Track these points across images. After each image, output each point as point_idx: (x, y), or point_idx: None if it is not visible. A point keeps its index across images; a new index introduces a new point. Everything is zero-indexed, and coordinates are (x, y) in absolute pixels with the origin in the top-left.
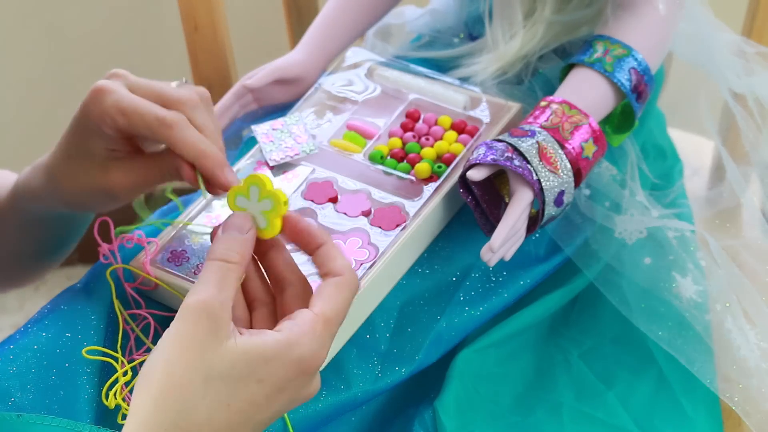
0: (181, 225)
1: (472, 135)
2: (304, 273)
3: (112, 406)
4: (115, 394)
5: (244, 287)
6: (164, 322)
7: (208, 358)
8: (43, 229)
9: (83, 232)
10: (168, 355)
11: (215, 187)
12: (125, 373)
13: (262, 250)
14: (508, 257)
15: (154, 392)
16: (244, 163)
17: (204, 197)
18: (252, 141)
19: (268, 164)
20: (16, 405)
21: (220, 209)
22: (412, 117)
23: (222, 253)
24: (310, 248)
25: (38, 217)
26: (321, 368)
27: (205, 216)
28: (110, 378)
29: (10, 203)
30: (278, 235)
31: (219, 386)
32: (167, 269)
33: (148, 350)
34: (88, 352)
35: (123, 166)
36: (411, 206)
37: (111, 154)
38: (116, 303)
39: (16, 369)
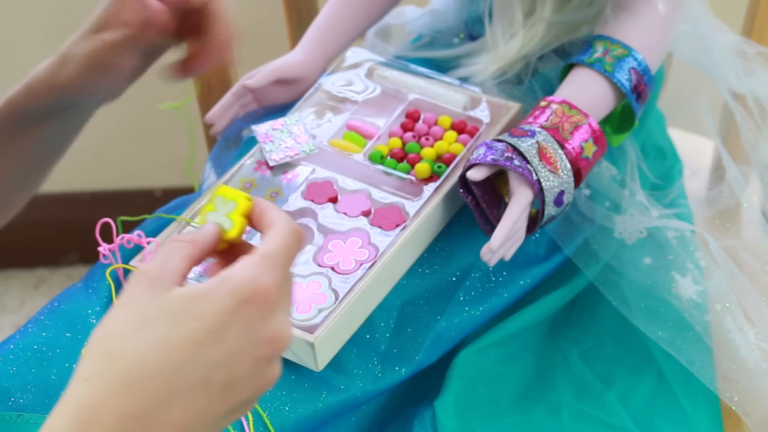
0: (181, 224)
1: (472, 135)
2: (302, 273)
3: None
4: None
5: None
6: None
7: (141, 309)
8: (38, 130)
9: (73, 139)
10: (107, 316)
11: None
12: None
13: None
14: (508, 257)
15: (88, 346)
16: (245, 163)
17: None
18: (252, 141)
19: (268, 164)
20: (16, 405)
21: None
22: (412, 117)
23: (176, 239)
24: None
25: (35, 115)
26: (285, 310)
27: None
28: None
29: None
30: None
31: (151, 329)
32: None
33: None
34: None
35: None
36: (411, 206)
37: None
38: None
39: (16, 369)
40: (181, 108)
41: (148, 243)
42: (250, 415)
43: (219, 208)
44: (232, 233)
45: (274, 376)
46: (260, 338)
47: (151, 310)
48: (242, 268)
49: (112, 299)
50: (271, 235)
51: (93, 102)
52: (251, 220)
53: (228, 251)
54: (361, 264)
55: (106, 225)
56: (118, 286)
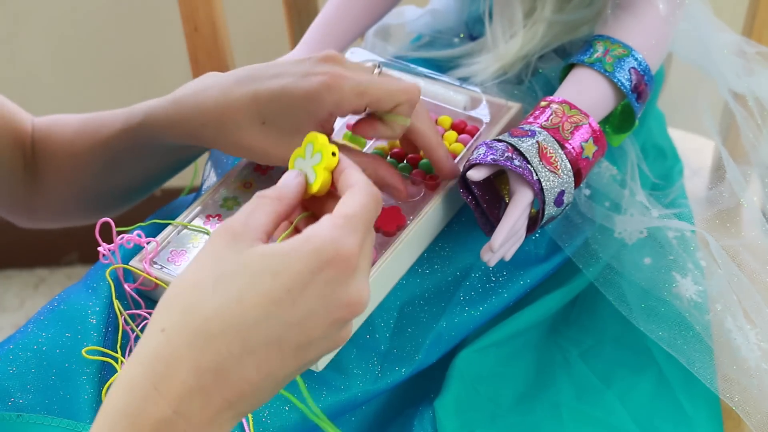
0: (180, 226)
1: (472, 135)
2: None
3: None
4: None
5: None
6: None
7: (221, 263)
8: (158, 158)
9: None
10: (186, 269)
11: (445, 175)
12: None
13: (321, 207)
14: (508, 257)
15: (164, 297)
16: (245, 163)
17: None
18: None
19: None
20: (15, 405)
21: (218, 209)
22: None
23: (260, 191)
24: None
25: (157, 147)
26: (364, 274)
27: (205, 216)
28: (110, 378)
29: (131, 132)
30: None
31: (228, 283)
32: (167, 269)
33: None
34: (88, 353)
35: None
36: (411, 206)
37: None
38: (116, 303)
39: (16, 369)
40: None
41: (148, 243)
42: (250, 416)
43: (306, 155)
44: (314, 187)
45: (345, 338)
46: (338, 301)
47: (231, 265)
48: (324, 228)
49: (112, 299)
50: (353, 196)
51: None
52: (333, 175)
53: (309, 201)
54: None
55: (106, 225)
56: (118, 286)
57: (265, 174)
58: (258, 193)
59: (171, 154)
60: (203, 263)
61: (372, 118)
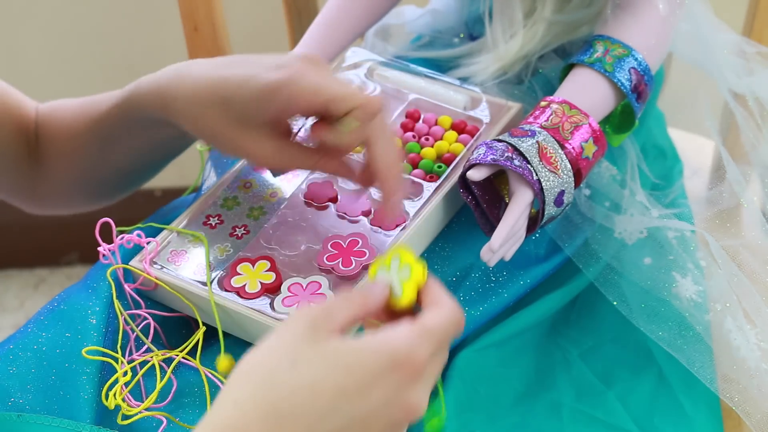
0: (180, 225)
1: (472, 135)
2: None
3: (112, 406)
4: (114, 394)
5: None
6: (164, 323)
7: (300, 347)
8: (147, 135)
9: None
10: (263, 345)
11: (385, 213)
12: (125, 374)
13: (397, 319)
14: (508, 257)
15: (242, 368)
16: (244, 163)
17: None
18: None
19: None
20: (16, 405)
21: (218, 209)
22: (412, 117)
23: (347, 293)
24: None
25: (145, 123)
26: (428, 385)
27: (205, 216)
28: (110, 378)
29: (122, 107)
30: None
31: (305, 368)
32: (167, 269)
33: (148, 350)
34: (88, 353)
35: (272, 145)
36: (411, 206)
37: (267, 132)
38: (116, 303)
39: (16, 369)
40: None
41: (148, 243)
42: None
43: (393, 268)
44: (402, 303)
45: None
46: (400, 404)
47: (309, 351)
48: (403, 334)
49: (112, 299)
50: (437, 312)
51: None
52: (419, 291)
53: (389, 311)
54: (361, 265)
55: (106, 225)
56: (119, 286)
57: (264, 173)
58: (344, 294)
59: (159, 130)
60: (282, 343)
61: (324, 121)
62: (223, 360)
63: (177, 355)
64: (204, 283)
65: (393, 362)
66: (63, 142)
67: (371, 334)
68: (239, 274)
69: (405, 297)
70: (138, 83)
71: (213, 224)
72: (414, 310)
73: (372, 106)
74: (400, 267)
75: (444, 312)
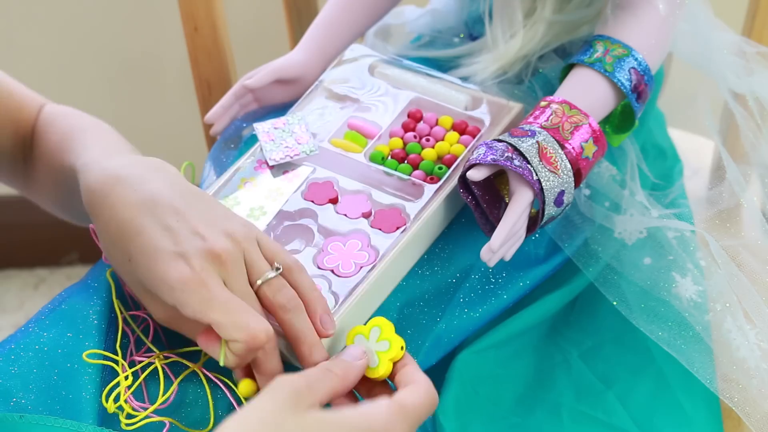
0: None
1: (473, 136)
2: None
3: (112, 410)
4: (115, 399)
5: None
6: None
7: (282, 418)
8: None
9: None
10: (245, 413)
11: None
12: (126, 378)
13: (369, 389)
14: (508, 257)
15: None
16: (245, 162)
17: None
18: (251, 141)
19: (267, 163)
20: (17, 405)
21: None
22: (413, 117)
23: (328, 363)
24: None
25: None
26: None
27: None
28: (112, 379)
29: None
30: (387, 380)
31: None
32: None
33: (149, 351)
34: (88, 356)
35: (166, 308)
36: (411, 208)
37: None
38: (116, 303)
39: (18, 369)
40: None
41: None
42: None
43: (371, 338)
44: (377, 374)
45: None
46: None
47: (291, 422)
48: (382, 411)
49: (112, 299)
50: (413, 391)
51: None
52: (394, 367)
53: (363, 378)
54: (361, 267)
55: None
56: (118, 287)
57: (264, 173)
58: (325, 365)
59: None
60: (264, 413)
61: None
62: (244, 384)
63: (179, 359)
64: None
65: None
66: (43, 165)
67: (351, 408)
68: None
69: (381, 368)
70: (83, 168)
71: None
72: (387, 380)
73: (252, 344)
74: (378, 339)
75: (420, 391)
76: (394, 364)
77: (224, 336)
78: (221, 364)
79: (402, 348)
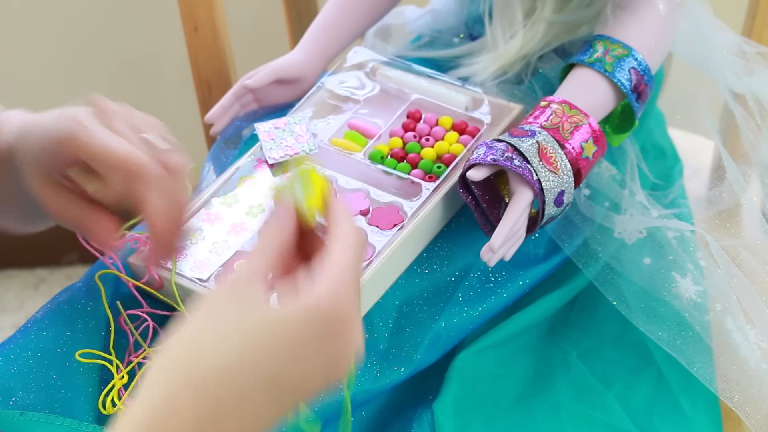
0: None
1: (473, 136)
2: None
3: (110, 411)
4: (112, 400)
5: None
6: (164, 323)
7: (222, 322)
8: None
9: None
10: (187, 321)
11: (160, 251)
12: (122, 378)
13: (305, 240)
14: (508, 257)
15: (166, 351)
16: (244, 161)
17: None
18: (253, 139)
19: (267, 162)
20: (17, 404)
21: (219, 206)
22: (413, 117)
23: (260, 243)
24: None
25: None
26: (355, 320)
27: (205, 213)
28: (111, 379)
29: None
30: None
31: (229, 346)
32: (167, 267)
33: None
34: (81, 356)
35: (60, 193)
36: (409, 206)
37: (57, 178)
38: (107, 308)
39: (17, 368)
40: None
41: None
42: None
43: (297, 188)
44: (309, 222)
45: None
46: (337, 360)
47: (231, 327)
48: (322, 289)
49: (112, 298)
50: (342, 246)
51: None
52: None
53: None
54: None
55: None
56: (119, 286)
57: (264, 172)
58: (259, 244)
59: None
60: (206, 319)
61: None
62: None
63: None
64: (203, 280)
65: (320, 325)
66: None
67: (292, 299)
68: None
69: (310, 215)
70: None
71: (212, 221)
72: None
73: (137, 170)
74: (303, 185)
75: (347, 242)
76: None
77: (107, 166)
78: (103, 195)
79: (325, 189)
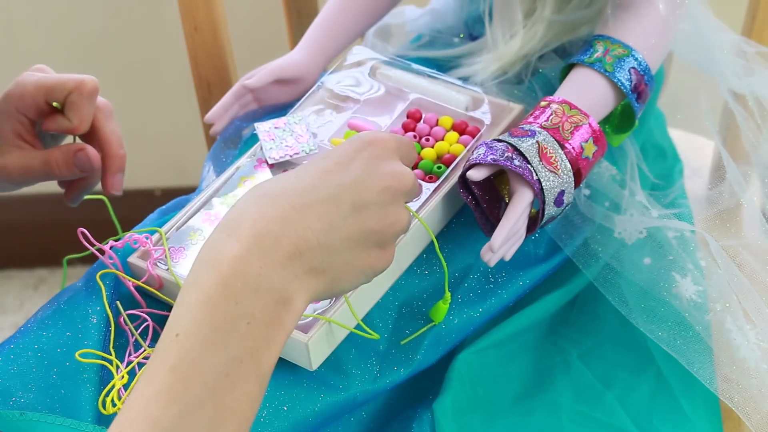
0: (179, 222)
1: (473, 136)
2: None
3: (110, 412)
4: (112, 400)
5: None
6: (164, 323)
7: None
8: None
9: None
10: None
11: (107, 182)
12: (122, 377)
13: None
14: (508, 257)
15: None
16: (244, 161)
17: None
18: (251, 140)
19: (267, 162)
20: (17, 404)
21: (219, 206)
22: (413, 117)
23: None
24: None
25: None
26: (401, 163)
27: (205, 213)
28: (111, 379)
29: None
30: None
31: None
32: (166, 266)
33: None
34: (82, 355)
35: (21, 153)
36: (409, 206)
37: (14, 141)
38: (107, 308)
39: (17, 368)
40: None
41: (147, 239)
42: None
43: None
44: None
45: (400, 217)
46: (382, 171)
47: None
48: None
49: (112, 298)
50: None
51: None
52: None
53: None
54: None
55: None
56: (119, 286)
57: (264, 171)
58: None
59: None
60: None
61: (56, 111)
62: None
63: None
64: None
65: (362, 140)
66: None
67: None
68: None
69: None
70: None
71: (212, 221)
72: None
73: (85, 86)
74: None
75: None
76: None
77: (62, 90)
78: (74, 122)
79: None
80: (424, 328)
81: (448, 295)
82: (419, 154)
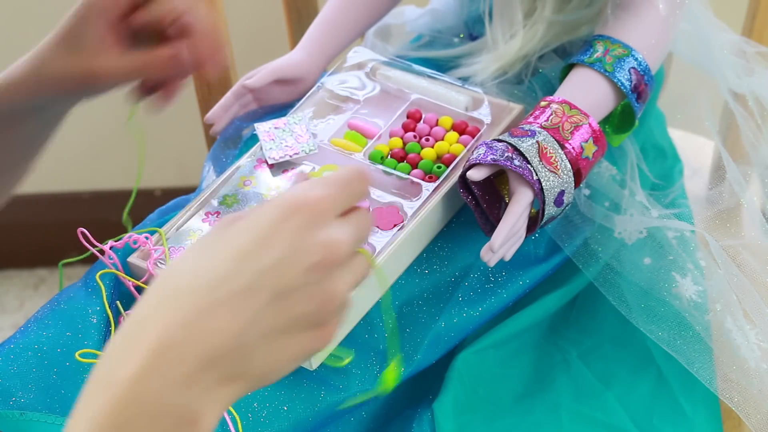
0: (179, 222)
1: (473, 136)
2: None
3: None
4: None
5: None
6: None
7: (205, 243)
8: (18, 126)
9: (55, 133)
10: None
11: (209, 65)
12: None
13: None
14: (508, 257)
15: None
16: (244, 161)
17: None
18: (253, 139)
19: (267, 162)
20: (17, 404)
21: (219, 206)
22: (413, 117)
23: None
24: None
25: (15, 112)
26: (342, 227)
27: (205, 213)
28: None
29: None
30: None
31: (203, 246)
32: (165, 266)
33: None
34: (82, 356)
35: (111, 55)
36: (409, 206)
37: (103, 43)
38: (107, 308)
39: (17, 368)
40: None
41: (154, 246)
42: (237, 417)
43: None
44: None
45: (336, 291)
46: (310, 243)
47: (209, 235)
48: (293, 187)
49: (112, 298)
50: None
51: (74, 98)
52: None
53: None
54: None
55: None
56: (119, 286)
57: (264, 172)
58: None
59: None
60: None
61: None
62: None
63: None
64: None
65: (286, 208)
66: None
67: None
68: None
69: None
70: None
71: (212, 221)
72: None
73: None
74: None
75: (342, 168)
76: None
77: None
78: (161, 9)
79: None
80: (362, 398)
81: (398, 357)
82: (419, 154)
